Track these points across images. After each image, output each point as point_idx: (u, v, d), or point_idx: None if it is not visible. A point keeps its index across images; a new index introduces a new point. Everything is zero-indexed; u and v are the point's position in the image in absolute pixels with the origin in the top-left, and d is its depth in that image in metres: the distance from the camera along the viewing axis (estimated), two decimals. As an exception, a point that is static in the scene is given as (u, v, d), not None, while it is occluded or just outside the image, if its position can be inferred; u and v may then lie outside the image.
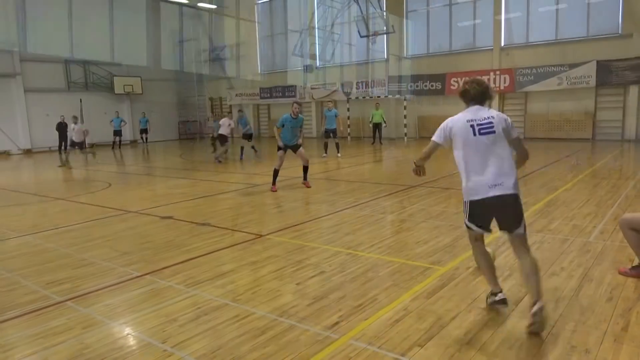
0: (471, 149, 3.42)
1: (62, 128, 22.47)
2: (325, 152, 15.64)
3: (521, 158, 3.60)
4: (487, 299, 3.70)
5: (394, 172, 11.71)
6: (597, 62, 17.45)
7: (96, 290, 4.42)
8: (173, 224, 7.02)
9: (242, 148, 16.33)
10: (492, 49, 19.96)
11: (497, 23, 19.64)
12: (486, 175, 3.35)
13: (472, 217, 3.49)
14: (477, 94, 3.54)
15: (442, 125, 3.68)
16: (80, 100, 25.17)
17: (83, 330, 3.62)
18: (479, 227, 3.52)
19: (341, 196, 8.63)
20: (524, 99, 19.72)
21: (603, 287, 4.05)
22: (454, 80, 20.68)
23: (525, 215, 3.60)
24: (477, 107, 3.54)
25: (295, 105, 9.48)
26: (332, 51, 25.06)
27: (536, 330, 3.21)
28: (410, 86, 21.82)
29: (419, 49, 22.15)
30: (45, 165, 17.64)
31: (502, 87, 19.66)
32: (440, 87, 20.94)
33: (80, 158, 18.37)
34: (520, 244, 3.44)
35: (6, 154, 22.63)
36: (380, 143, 19.83)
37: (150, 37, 28.54)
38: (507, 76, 19.47)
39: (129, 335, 3.54)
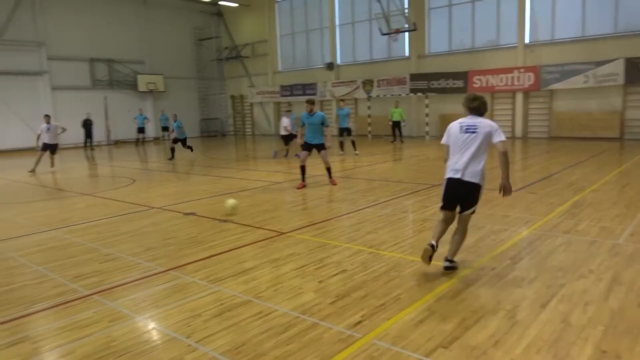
0: (454, 142, 4.48)
1: (87, 125, 22.95)
2: (342, 150, 15.68)
3: (502, 156, 4.35)
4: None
5: (415, 170, 11.61)
6: (626, 59, 16.99)
7: (122, 285, 4.50)
8: (196, 220, 7.09)
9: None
10: (516, 46, 19.62)
11: (522, 19, 19.28)
12: (457, 162, 4.41)
13: (443, 194, 4.59)
14: (474, 108, 4.47)
15: (446, 129, 4.63)
16: (105, 97, 25.64)
17: (109, 323, 3.69)
18: (445, 207, 4.59)
19: (362, 194, 8.60)
20: (549, 97, 19.34)
21: (634, 291, 3.94)
22: (476, 78, 20.41)
23: (551, 215, 3.53)
24: (473, 115, 4.48)
25: (306, 104, 9.44)
26: (353, 49, 24.98)
27: (446, 272, 4.42)
28: (432, 84, 21.61)
29: (441, 46, 21.91)
30: (71, 161, 18.01)
31: (526, 85, 19.32)
32: (462, 85, 20.67)
33: (102, 155, 18.69)
34: (464, 221, 4.59)
35: (34, 151, 23.12)
36: (401, 141, 19.71)
37: (173, 35, 28.93)
38: (531, 74, 19.12)
39: (154, 330, 3.59)
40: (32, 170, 13.71)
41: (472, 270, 4.53)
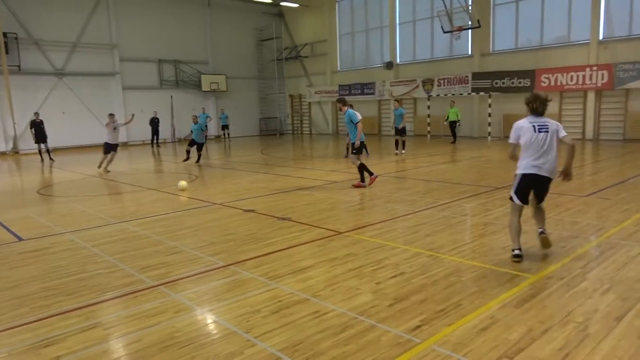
0: (531, 142, 4.71)
1: (154, 123, 24.07)
2: (397, 150, 15.63)
3: (572, 149, 4.71)
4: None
5: (477, 172, 11.24)
6: None
7: (186, 277, 4.67)
8: (255, 217, 7.24)
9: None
10: (588, 43, 18.51)
11: (596, 14, 18.15)
12: (538, 160, 4.69)
13: (518, 189, 4.82)
14: (540, 108, 4.77)
15: (513, 127, 4.86)
16: (171, 97, 26.77)
17: (174, 314, 3.83)
18: (525, 202, 4.84)
19: (421, 196, 8.43)
20: (625, 96, 18.09)
21: None
22: (544, 77, 19.45)
23: (626, 223, 3.29)
24: (537, 115, 4.80)
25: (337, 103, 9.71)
26: (413, 47, 24.57)
27: (545, 247, 4.98)
28: (496, 83, 20.83)
29: (506, 44, 21.06)
30: (139, 157, 18.95)
31: (599, 84, 18.18)
32: (529, 83, 19.78)
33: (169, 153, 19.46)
34: (543, 209, 5.06)
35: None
36: (454, 141, 19.34)
37: (236, 36, 29.73)
38: (605, 72, 17.96)
39: (215, 323, 3.69)
40: (106, 170, 13.65)
41: (539, 278, 4.32)
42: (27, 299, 4.29)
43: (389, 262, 4.88)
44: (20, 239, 6.47)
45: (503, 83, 20.62)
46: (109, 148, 13.73)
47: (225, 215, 7.50)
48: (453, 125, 19.47)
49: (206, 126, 16.82)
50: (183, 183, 9.93)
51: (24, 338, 3.53)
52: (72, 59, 23.57)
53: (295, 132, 31.89)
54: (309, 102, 30.41)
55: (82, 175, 13.47)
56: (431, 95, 22.77)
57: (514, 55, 20.68)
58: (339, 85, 27.79)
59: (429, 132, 22.36)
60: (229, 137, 26.63)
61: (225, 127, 26.15)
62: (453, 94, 22.01)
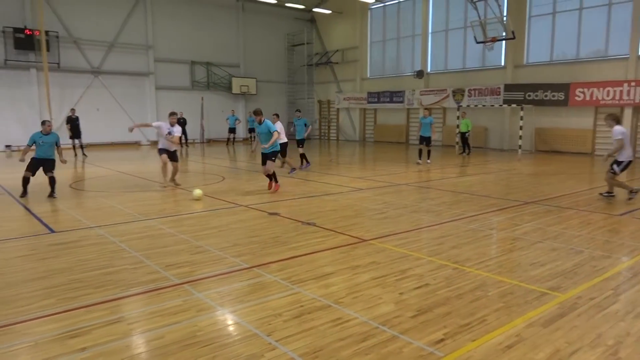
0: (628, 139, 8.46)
1: (181, 124, 24.38)
2: (419, 159, 15.36)
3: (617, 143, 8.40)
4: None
5: (505, 186, 11.01)
6: None
7: (209, 277, 4.71)
8: (279, 220, 7.26)
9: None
10: (627, 58, 17.98)
11: (636, 28, 17.64)
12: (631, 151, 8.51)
13: (623, 169, 8.55)
14: (620, 120, 8.23)
15: (620, 130, 8.35)
16: (202, 98, 27.20)
17: (196, 313, 3.86)
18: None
19: (447, 207, 8.31)
20: (664, 114, 17.48)
21: None
22: (579, 91, 18.96)
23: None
24: (619, 124, 8.49)
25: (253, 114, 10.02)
26: (445, 57, 24.34)
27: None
28: (529, 95, 20.43)
29: (541, 56, 20.65)
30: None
31: (637, 100, 17.63)
32: (562, 97, 19.33)
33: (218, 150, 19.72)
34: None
35: (137, 145, 25.14)
36: (463, 152, 19.32)
37: (267, 41, 30.04)
38: (644, 88, 17.40)
39: (237, 324, 3.70)
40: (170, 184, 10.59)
41: (568, 297, 4.19)
42: (55, 290, 4.39)
43: (413, 273, 4.82)
44: (51, 231, 6.65)
45: (536, 96, 20.21)
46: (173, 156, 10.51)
47: (250, 217, 7.54)
48: (464, 136, 19.35)
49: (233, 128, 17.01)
50: (198, 192, 9.06)
51: (51, 328, 3.62)
52: (108, 58, 24.22)
53: (322, 137, 31.95)
54: (337, 108, 30.43)
55: (112, 171, 13.78)
56: (461, 106, 22.49)
57: (548, 68, 20.26)
58: (368, 93, 27.73)
59: (457, 142, 22.05)
60: (255, 140, 26.84)
61: (252, 130, 26.35)
62: (484, 105, 21.69)
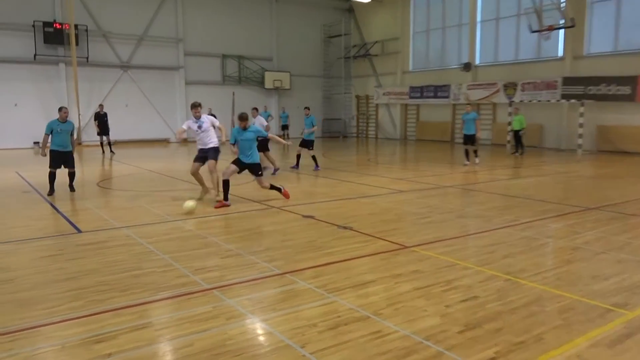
0: None
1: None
2: (467, 160, 15.00)
3: None
4: None
5: (564, 189, 10.66)
6: None
7: (240, 283, 4.74)
8: (314, 224, 7.25)
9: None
10: None
11: None
12: None
13: None
14: None
15: None
16: (233, 93, 27.57)
17: (227, 320, 3.89)
18: None
19: (498, 212, 8.10)
20: None
21: None
22: (648, 84, 18.16)
23: None
24: None
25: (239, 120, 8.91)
26: (495, 48, 23.81)
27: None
28: (590, 90, 19.70)
29: (604, 46, 19.89)
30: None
31: None
32: (628, 91, 18.54)
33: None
34: None
35: (165, 142, 25.76)
36: (516, 152, 18.69)
37: (302, 32, 30.19)
38: None
39: (269, 334, 3.70)
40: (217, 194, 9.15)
41: (635, 315, 3.99)
42: (83, 292, 4.52)
43: (460, 284, 4.71)
44: (79, 231, 6.87)
45: (598, 90, 19.47)
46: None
47: (284, 219, 7.58)
48: (517, 134, 18.73)
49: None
50: (190, 204, 7.79)
51: (78, 332, 3.72)
52: (137, 52, 24.93)
53: (360, 135, 31.85)
54: (376, 104, 30.27)
55: (141, 169, 14.15)
56: (513, 101, 21.94)
57: (612, 58, 19.49)
58: (410, 87, 27.44)
59: (508, 141, 21.53)
60: (288, 138, 26.97)
61: (286, 126, 26.51)
62: (539, 101, 21.08)
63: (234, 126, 27.67)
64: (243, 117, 8.85)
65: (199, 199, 8.88)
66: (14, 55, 21.74)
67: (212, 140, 9.07)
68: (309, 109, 14.75)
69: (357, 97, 31.74)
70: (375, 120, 30.82)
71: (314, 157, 14.00)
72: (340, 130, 31.70)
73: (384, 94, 29.34)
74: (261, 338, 3.67)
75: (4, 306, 4.22)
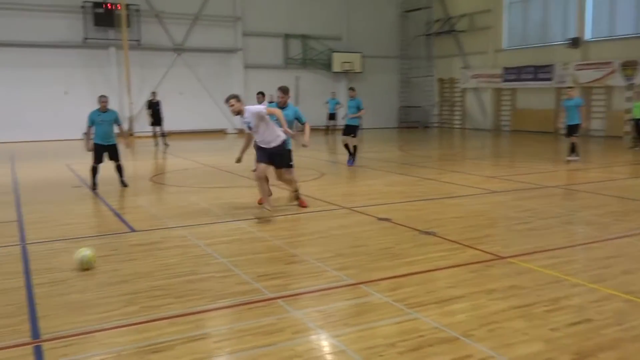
0: None
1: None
2: (572, 154, 14.24)
3: None
4: None
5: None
6: None
7: (307, 292, 4.81)
8: (391, 228, 7.22)
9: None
10: None
11: None
12: None
13: None
14: None
15: None
16: (297, 77, 27.95)
17: (293, 334, 3.96)
18: None
19: (614, 218, 7.71)
20: None
21: None
22: None
23: None
24: None
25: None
26: (610, 19, 22.60)
27: None
28: None
29: None
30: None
31: None
32: None
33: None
34: None
35: (222, 133, 26.55)
36: (635, 146, 17.41)
37: (376, 6, 30.07)
38: None
39: (342, 352, 3.72)
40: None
41: None
42: (137, 297, 4.75)
43: (569, 304, 4.52)
44: (132, 230, 7.24)
45: None
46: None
47: (355, 222, 7.60)
48: (638, 124, 17.58)
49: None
50: (83, 255, 5.54)
51: (133, 339, 3.91)
52: (192, 33, 25.88)
53: (443, 125, 31.32)
54: (463, 89, 29.64)
55: (196, 163, 14.68)
56: (633, 84, 20.74)
57: None
58: (504, 68, 26.62)
59: (626, 132, 20.37)
60: (334, 130, 26.59)
61: (332, 116, 26.19)
62: (667, 83, 19.78)
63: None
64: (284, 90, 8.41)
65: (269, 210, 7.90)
66: (62, 40, 23.22)
67: (277, 136, 7.86)
68: (354, 90, 14.46)
69: (441, 80, 31.21)
70: (461, 108, 30.18)
71: (355, 148, 13.78)
72: (420, 119, 31.32)
73: (472, 76, 28.68)
74: (332, 357, 3.70)
75: (56, 309, 4.52)
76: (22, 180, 12.02)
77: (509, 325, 4.11)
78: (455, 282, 5.07)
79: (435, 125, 31.57)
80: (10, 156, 16.88)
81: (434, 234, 6.79)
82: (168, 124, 21.24)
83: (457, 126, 30.40)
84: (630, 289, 4.85)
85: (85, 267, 5.54)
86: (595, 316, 4.27)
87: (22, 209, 8.82)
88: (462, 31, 28.99)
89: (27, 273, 5.49)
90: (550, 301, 4.57)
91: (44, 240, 6.78)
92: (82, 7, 23.22)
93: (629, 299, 4.64)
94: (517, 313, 4.33)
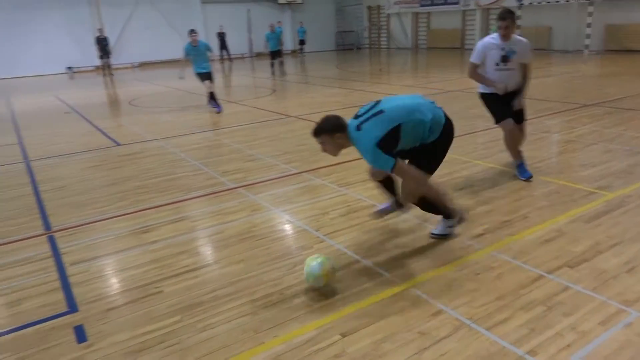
0: None
1: (222, 39, 23.83)
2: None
3: None
4: None
5: (565, 89, 10.44)
6: None
7: (262, 182, 5.03)
8: (328, 129, 7.38)
9: None
10: None
11: None
12: None
13: None
14: None
15: None
16: (248, 10, 26.60)
17: (251, 212, 4.21)
18: None
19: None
20: None
21: None
22: (661, -21, 16.89)
23: None
24: None
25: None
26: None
27: None
28: (600, -12, 18.44)
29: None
30: (216, 73, 19.49)
31: None
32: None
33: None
34: None
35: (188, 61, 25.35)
36: None
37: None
38: None
39: (288, 222, 4.02)
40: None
41: (616, 195, 4.17)
42: (126, 194, 4.88)
43: (459, 175, 4.89)
44: (117, 144, 7.18)
45: (609, -12, 18.20)
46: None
47: (299, 127, 7.74)
48: None
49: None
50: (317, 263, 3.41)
51: (126, 225, 4.09)
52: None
53: (372, 46, 30.83)
54: (388, 14, 28.95)
55: (166, 88, 14.22)
56: (522, 4, 20.73)
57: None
58: (421, -6, 25.95)
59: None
60: (303, 52, 26.16)
61: (303, 41, 25.57)
62: (548, 2, 19.88)
63: (251, 43, 26.55)
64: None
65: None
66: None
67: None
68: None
69: (369, 7, 30.30)
70: (386, 31, 29.65)
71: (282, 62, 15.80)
72: (353, 42, 30.69)
73: (395, 3, 27.93)
74: (281, 225, 3.99)
75: (61, 208, 4.62)
76: (19, 110, 11.47)
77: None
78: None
79: (366, 46, 31.04)
80: (4, 91, 15.87)
81: (361, 132, 6.99)
82: (141, 56, 20.12)
83: (384, 46, 30.00)
84: (502, 162, 5.24)
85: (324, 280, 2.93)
86: (477, 184, 4.67)
87: (22, 132, 8.54)
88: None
89: (33, 183, 5.49)
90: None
91: (44, 157, 6.69)
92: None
93: (502, 169, 5.04)
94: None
